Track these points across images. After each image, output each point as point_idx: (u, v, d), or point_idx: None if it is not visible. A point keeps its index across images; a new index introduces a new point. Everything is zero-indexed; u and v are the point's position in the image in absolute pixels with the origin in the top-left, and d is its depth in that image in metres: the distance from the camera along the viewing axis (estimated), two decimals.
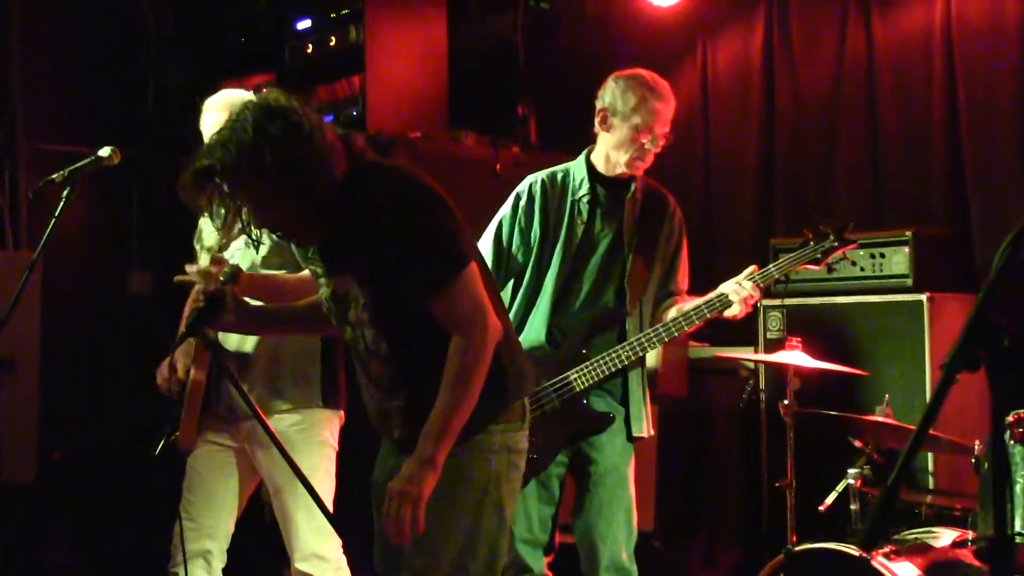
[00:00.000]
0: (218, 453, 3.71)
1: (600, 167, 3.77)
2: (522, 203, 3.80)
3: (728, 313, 3.65)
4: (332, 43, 5.51)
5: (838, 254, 3.76)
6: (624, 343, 3.67)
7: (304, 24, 5.71)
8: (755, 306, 3.76)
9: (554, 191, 3.79)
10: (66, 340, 5.65)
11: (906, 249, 4.54)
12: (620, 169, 3.74)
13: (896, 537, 3.61)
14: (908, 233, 4.56)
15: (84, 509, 5.68)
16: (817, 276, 4.80)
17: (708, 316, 3.66)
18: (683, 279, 3.89)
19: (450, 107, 5.66)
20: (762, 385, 4.89)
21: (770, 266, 3.75)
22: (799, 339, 3.94)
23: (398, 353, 2.73)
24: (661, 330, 3.67)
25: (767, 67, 5.67)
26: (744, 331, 4.93)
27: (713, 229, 5.84)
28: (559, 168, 3.86)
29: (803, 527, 3.85)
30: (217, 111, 3.69)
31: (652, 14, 5.84)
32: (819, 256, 3.75)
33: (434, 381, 2.65)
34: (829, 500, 3.67)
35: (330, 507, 3.65)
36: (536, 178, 3.84)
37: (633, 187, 3.77)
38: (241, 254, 3.68)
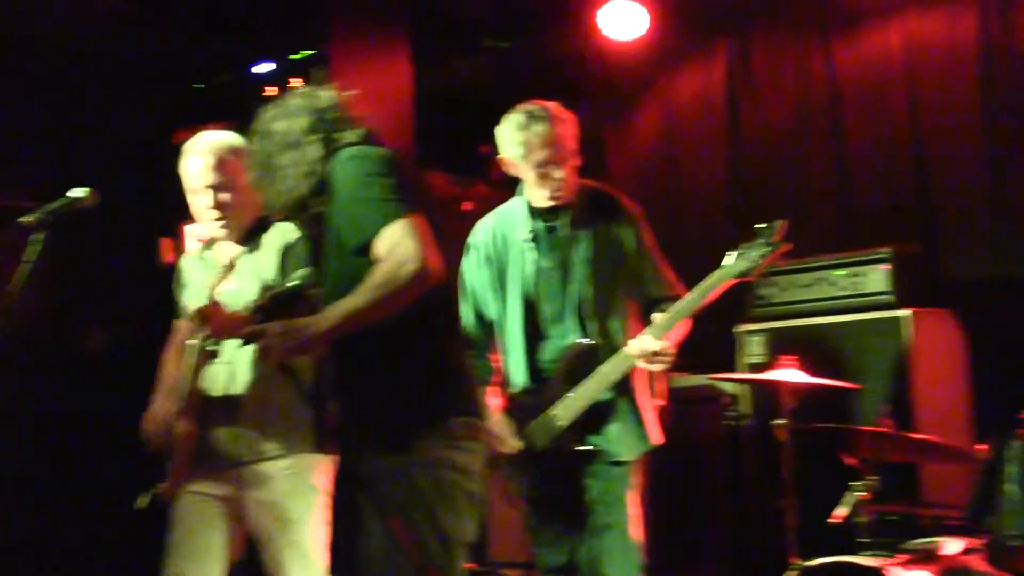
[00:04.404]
0: (203, 503, 3.59)
1: (534, 202, 3.74)
2: (472, 253, 3.83)
3: (648, 368, 3.57)
4: (293, 86, 5.46)
5: (770, 260, 3.52)
6: (591, 375, 3.62)
7: (264, 67, 5.67)
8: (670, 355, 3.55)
9: (499, 235, 3.79)
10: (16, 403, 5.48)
11: (885, 267, 4.58)
12: (549, 202, 3.70)
13: (902, 547, 3.60)
14: (887, 251, 4.61)
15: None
16: (794, 299, 4.87)
17: (623, 373, 3.59)
18: (666, 279, 3.74)
19: (417, 148, 5.64)
20: (746, 409, 4.88)
21: (672, 308, 3.56)
22: (794, 357, 3.92)
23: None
24: (614, 364, 3.59)
25: (731, 98, 5.74)
26: (723, 357, 4.95)
27: (680, 267, 5.85)
28: (503, 208, 3.85)
29: (804, 545, 3.81)
30: (201, 155, 3.61)
31: (612, 49, 5.90)
32: (745, 268, 3.52)
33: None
34: (840, 512, 3.64)
35: (325, 555, 3.57)
36: (480, 226, 3.85)
37: (571, 213, 3.69)
38: (233, 295, 3.59)
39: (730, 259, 3.56)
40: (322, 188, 2.86)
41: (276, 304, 2.83)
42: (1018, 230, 4.85)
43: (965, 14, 5.10)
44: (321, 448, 3.59)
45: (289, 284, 2.88)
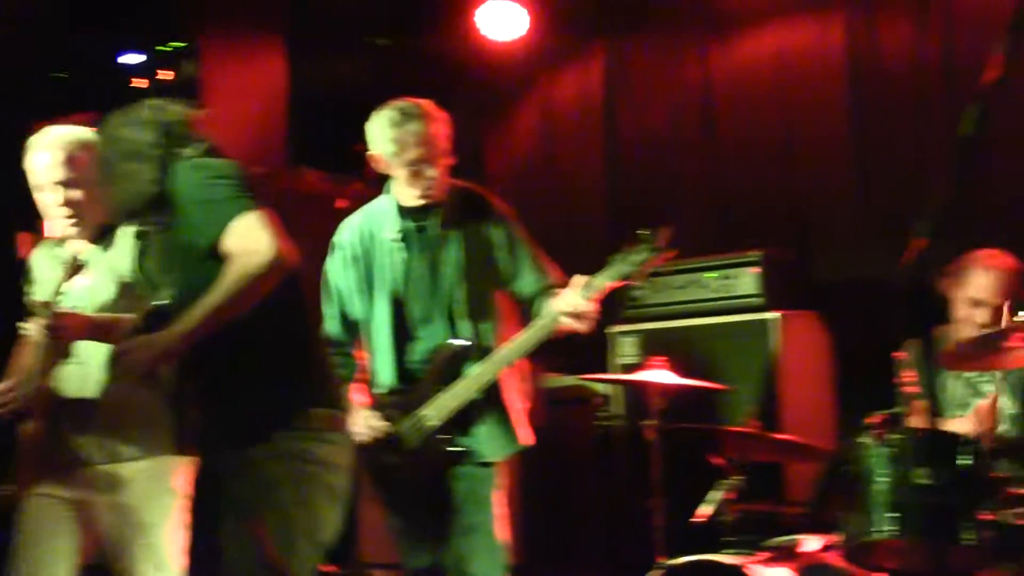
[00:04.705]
0: (52, 506, 3.46)
1: (403, 201, 3.70)
2: (338, 253, 3.78)
3: (574, 326, 3.51)
4: (163, 78, 5.34)
5: (652, 265, 3.49)
6: (465, 374, 3.60)
7: (132, 58, 5.51)
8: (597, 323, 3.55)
9: (366, 234, 3.74)
10: None
11: (755, 270, 4.66)
12: (419, 201, 3.66)
13: (763, 544, 3.66)
14: (757, 254, 4.70)
15: None
16: (666, 300, 4.93)
17: (545, 337, 3.55)
18: (544, 269, 3.71)
19: (291, 144, 5.57)
20: (618, 410, 4.91)
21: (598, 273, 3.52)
22: (664, 358, 3.95)
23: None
24: (504, 355, 3.58)
25: (608, 100, 5.79)
26: (595, 358, 4.97)
27: (559, 266, 5.88)
28: (370, 206, 3.81)
29: (671, 544, 3.86)
30: (48, 150, 3.49)
31: (491, 49, 5.89)
32: (628, 271, 3.48)
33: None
34: (703, 511, 3.69)
35: (181, 559, 3.48)
36: (346, 225, 3.80)
37: (442, 213, 3.66)
38: (88, 293, 3.48)
39: (613, 262, 3.53)
40: (161, 201, 2.86)
41: (152, 322, 2.83)
42: (883, 234, 4.97)
43: (833, 24, 5.24)
44: (180, 450, 3.51)
45: (160, 301, 2.88)
